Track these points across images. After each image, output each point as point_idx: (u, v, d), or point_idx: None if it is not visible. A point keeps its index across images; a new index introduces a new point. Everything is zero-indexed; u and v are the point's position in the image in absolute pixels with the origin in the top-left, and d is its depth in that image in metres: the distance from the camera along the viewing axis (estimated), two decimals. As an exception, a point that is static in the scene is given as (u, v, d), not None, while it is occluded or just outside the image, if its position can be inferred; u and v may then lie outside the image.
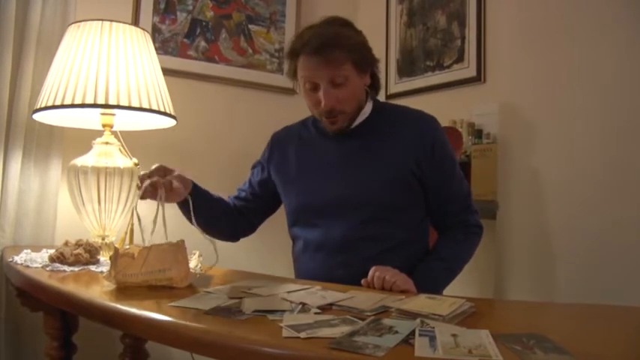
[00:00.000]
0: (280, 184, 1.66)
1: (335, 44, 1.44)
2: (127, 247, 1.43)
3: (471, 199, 1.61)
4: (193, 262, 1.39)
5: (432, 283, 1.42)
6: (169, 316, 1.00)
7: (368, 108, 1.58)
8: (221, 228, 1.67)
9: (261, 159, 1.74)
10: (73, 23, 1.87)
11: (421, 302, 1.07)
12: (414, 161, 1.50)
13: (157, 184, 1.39)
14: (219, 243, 1.58)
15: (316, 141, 1.63)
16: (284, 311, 1.02)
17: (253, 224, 1.74)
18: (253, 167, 1.76)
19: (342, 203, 1.51)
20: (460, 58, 2.50)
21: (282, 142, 1.70)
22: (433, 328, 0.89)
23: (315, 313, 1.01)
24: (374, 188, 1.50)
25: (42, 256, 1.62)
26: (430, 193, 1.55)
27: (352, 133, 1.56)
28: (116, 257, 1.25)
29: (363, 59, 1.52)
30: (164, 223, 1.36)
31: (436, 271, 1.49)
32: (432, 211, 1.59)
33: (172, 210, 2.41)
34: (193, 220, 1.45)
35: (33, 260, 1.58)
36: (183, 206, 1.53)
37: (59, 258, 1.54)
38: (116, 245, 1.63)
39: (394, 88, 2.84)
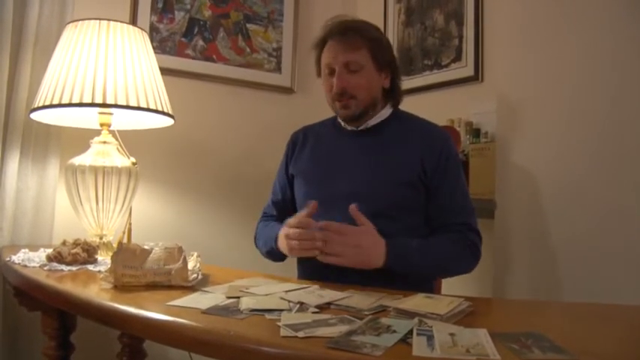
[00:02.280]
0: (294, 175, 1.70)
1: (355, 29, 1.55)
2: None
3: (474, 220, 1.56)
4: (192, 263, 1.40)
5: (401, 258, 1.39)
6: (167, 315, 1.00)
7: (386, 111, 1.63)
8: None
9: (283, 159, 1.78)
10: (70, 22, 1.87)
11: (419, 301, 1.07)
12: (421, 166, 1.53)
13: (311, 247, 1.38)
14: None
15: (332, 137, 1.67)
16: (282, 310, 1.02)
17: None
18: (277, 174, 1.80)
19: (347, 196, 1.51)
20: (458, 57, 2.50)
21: (301, 139, 1.75)
22: (431, 327, 0.89)
23: (313, 313, 1.02)
24: (380, 185, 1.52)
25: (39, 256, 1.62)
26: (432, 201, 1.54)
27: (367, 133, 1.60)
28: (119, 250, 1.28)
29: (382, 53, 1.56)
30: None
31: (410, 249, 1.42)
32: (432, 219, 1.56)
33: (170, 211, 2.42)
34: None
35: (30, 260, 1.58)
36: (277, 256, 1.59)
37: (57, 257, 1.54)
38: (116, 243, 1.64)
39: (392, 88, 2.84)
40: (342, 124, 1.65)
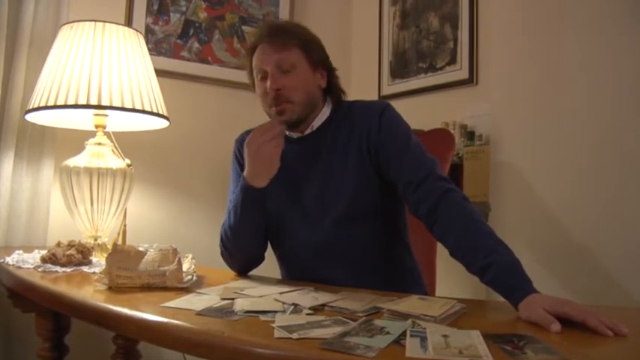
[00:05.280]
0: None
1: (284, 30, 1.48)
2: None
3: (439, 171, 1.41)
4: (186, 265, 1.40)
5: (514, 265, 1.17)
6: (162, 316, 1.00)
7: (327, 109, 1.54)
8: (261, 239, 1.56)
9: (235, 167, 1.65)
10: (65, 24, 1.87)
11: (413, 303, 1.07)
12: (366, 150, 1.46)
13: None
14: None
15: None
16: (276, 312, 1.02)
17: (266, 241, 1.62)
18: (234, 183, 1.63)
19: (313, 209, 1.48)
20: (453, 60, 2.51)
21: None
22: (424, 328, 0.89)
23: (307, 314, 1.02)
24: (340, 189, 1.46)
25: (34, 257, 1.62)
26: (389, 170, 1.43)
27: (314, 137, 1.52)
28: (114, 252, 1.28)
29: (314, 52, 1.50)
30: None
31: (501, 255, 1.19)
32: (399, 189, 1.42)
33: (165, 212, 2.42)
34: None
35: (25, 261, 1.57)
36: (256, 199, 1.44)
37: (51, 259, 1.54)
38: (111, 244, 1.63)
39: (387, 90, 2.85)
40: (287, 134, 1.52)
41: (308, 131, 1.52)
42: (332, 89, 1.56)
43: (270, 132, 1.37)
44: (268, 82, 1.44)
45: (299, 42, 1.47)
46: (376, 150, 1.45)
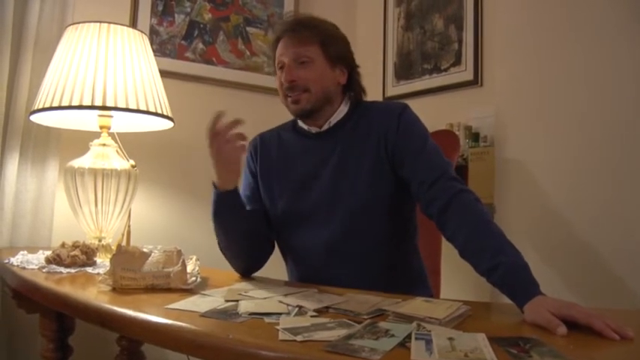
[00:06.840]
0: (263, 188, 1.61)
1: (305, 24, 1.51)
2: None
3: (453, 172, 1.42)
4: (190, 266, 1.40)
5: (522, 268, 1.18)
6: (166, 318, 1.00)
7: (344, 107, 1.56)
8: (259, 241, 1.57)
9: (246, 170, 1.66)
10: (70, 25, 1.88)
11: (418, 305, 1.07)
12: (384, 149, 1.47)
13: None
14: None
15: (296, 144, 1.59)
16: (280, 314, 1.02)
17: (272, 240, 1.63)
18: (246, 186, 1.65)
19: (324, 205, 1.49)
20: (457, 62, 2.51)
21: (264, 147, 1.65)
22: (429, 331, 0.89)
23: (312, 316, 1.02)
24: (354, 187, 1.47)
25: (38, 258, 1.62)
26: (404, 170, 1.44)
27: (330, 133, 1.54)
28: (118, 253, 1.28)
29: (335, 48, 1.52)
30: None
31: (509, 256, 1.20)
32: (411, 188, 1.43)
33: (169, 213, 2.42)
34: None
35: (29, 262, 1.58)
36: (226, 202, 1.52)
37: (55, 260, 1.54)
38: (115, 245, 1.63)
39: (391, 91, 2.85)
40: (306, 128, 1.57)
41: (325, 127, 1.55)
42: (353, 87, 1.58)
43: (223, 133, 1.45)
44: (284, 74, 1.49)
45: (319, 38, 1.50)
46: (393, 150, 1.46)
